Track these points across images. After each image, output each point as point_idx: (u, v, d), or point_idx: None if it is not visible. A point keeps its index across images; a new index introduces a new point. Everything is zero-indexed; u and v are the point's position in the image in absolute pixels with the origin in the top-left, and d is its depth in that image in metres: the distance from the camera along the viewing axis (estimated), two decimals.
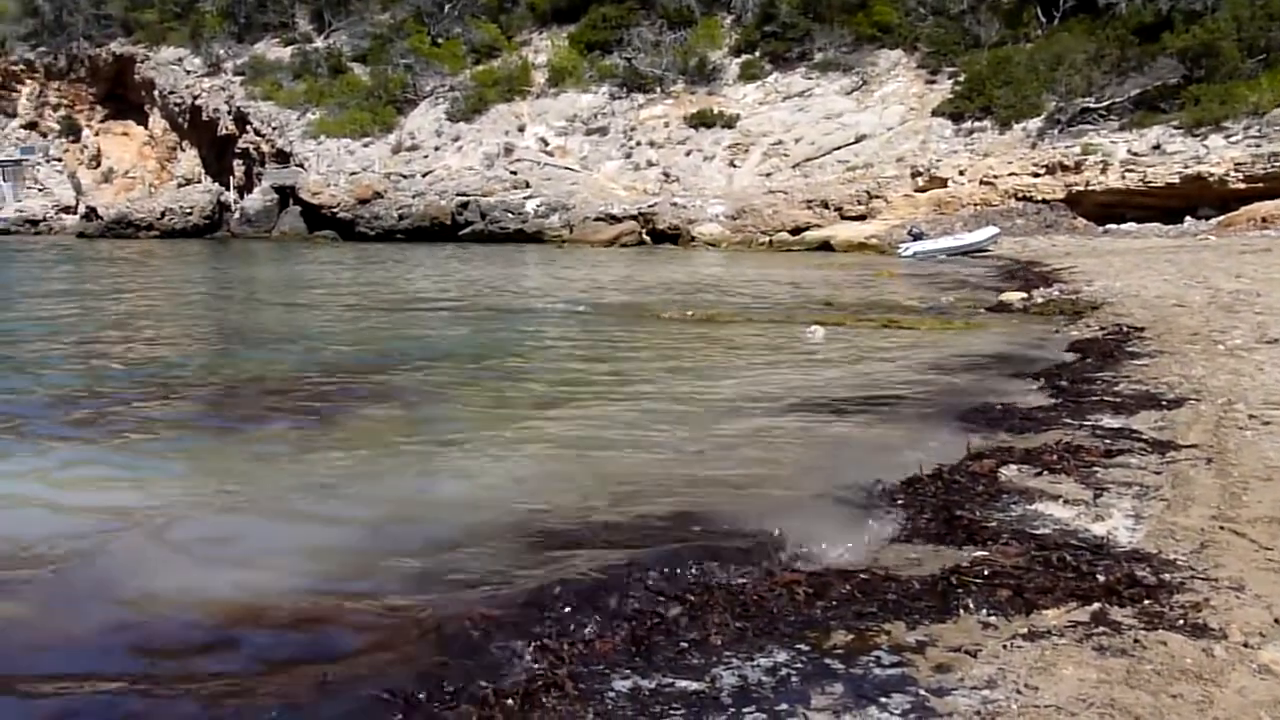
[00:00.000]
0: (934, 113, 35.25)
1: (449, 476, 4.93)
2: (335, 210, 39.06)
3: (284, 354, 8.99)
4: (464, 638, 3.05)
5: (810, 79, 39.40)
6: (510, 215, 35.42)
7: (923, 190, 30.59)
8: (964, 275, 19.06)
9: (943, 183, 30.37)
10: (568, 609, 3.27)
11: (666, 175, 37.04)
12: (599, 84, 42.63)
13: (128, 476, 4.89)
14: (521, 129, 41.61)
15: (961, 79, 35.18)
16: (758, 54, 41.39)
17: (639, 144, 39.15)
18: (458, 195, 37.10)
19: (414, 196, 38.31)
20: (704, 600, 3.28)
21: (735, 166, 36.70)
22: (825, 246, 28.97)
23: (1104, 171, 27.92)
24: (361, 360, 8.65)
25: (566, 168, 38.70)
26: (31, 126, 57.41)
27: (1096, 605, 3.13)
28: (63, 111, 57.78)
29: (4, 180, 54.71)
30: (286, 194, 42.24)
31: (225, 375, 7.86)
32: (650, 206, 33.90)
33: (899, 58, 38.82)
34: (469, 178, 38.60)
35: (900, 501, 4.38)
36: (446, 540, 3.95)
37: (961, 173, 30.46)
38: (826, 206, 31.18)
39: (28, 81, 57.94)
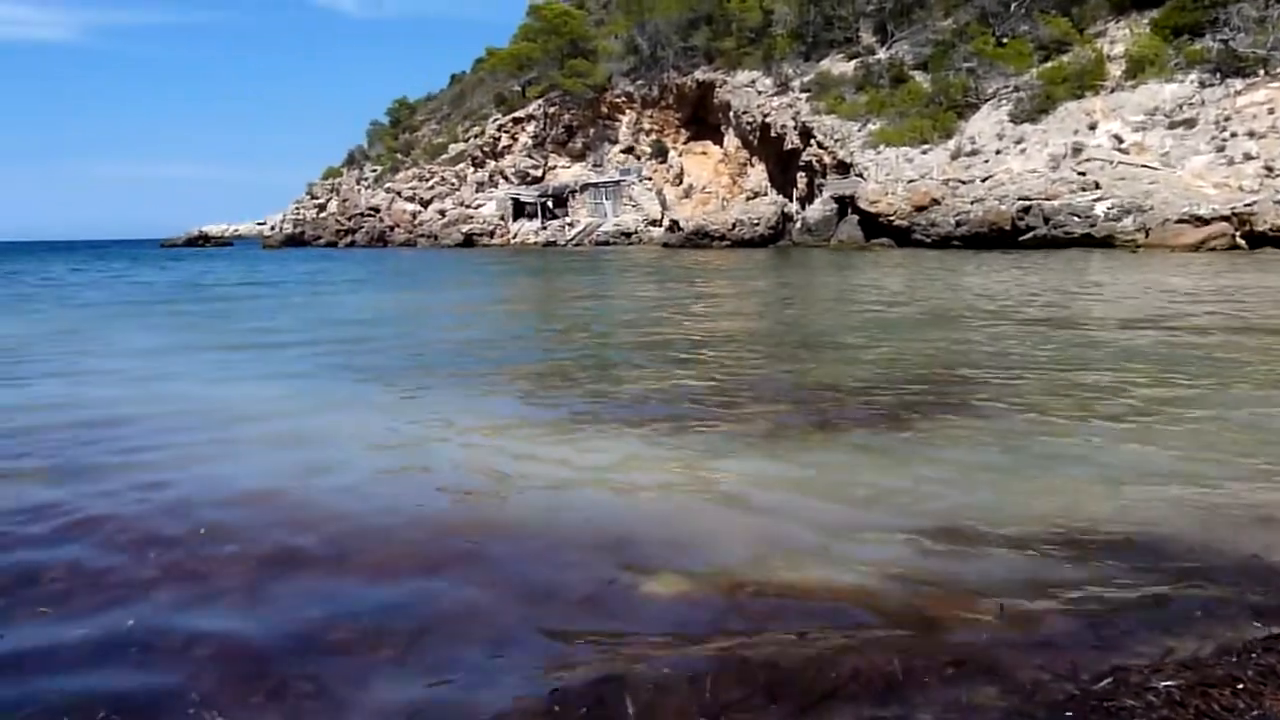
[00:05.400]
0: None
1: (1011, 487, 4.77)
2: (891, 218, 39.56)
3: (857, 360, 9.30)
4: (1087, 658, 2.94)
5: None
6: (1076, 219, 33.25)
7: None
8: None
9: None
10: (1183, 643, 3.00)
11: (1269, 169, 32.37)
12: (1185, 71, 38.51)
13: (727, 468, 5.37)
14: (1092, 126, 38.92)
15: None
16: None
17: (1234, 135, 34.67)
18: (1018, 200, 35.64)
19: (972, 203, 37.51)
20: None
21: None
22: None
23: None
24: (935, 369, 8.67)
25: (1144, 165, 35.46)
26: (628, 151, 65.99)
27: None
28: (653, 136, 65.61)
29: (605, 199, 63.52)
30: (845, 203, 43.76)
31: (802, 378, 8.33)
32: (1247, 205, 29.86)
33: None
34: (1031, 181, 36.93)
35: None
36: (1025, 550, 3.82)
37: None
38: None
39: (627, 111, 66.67)
